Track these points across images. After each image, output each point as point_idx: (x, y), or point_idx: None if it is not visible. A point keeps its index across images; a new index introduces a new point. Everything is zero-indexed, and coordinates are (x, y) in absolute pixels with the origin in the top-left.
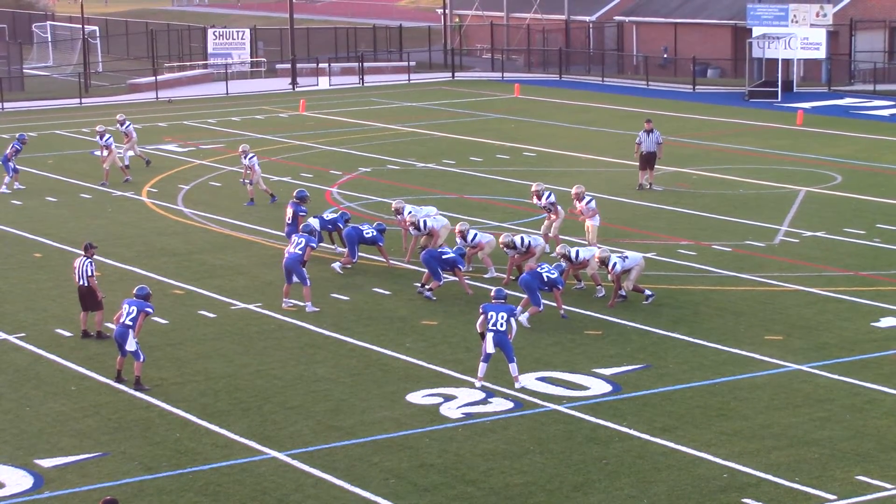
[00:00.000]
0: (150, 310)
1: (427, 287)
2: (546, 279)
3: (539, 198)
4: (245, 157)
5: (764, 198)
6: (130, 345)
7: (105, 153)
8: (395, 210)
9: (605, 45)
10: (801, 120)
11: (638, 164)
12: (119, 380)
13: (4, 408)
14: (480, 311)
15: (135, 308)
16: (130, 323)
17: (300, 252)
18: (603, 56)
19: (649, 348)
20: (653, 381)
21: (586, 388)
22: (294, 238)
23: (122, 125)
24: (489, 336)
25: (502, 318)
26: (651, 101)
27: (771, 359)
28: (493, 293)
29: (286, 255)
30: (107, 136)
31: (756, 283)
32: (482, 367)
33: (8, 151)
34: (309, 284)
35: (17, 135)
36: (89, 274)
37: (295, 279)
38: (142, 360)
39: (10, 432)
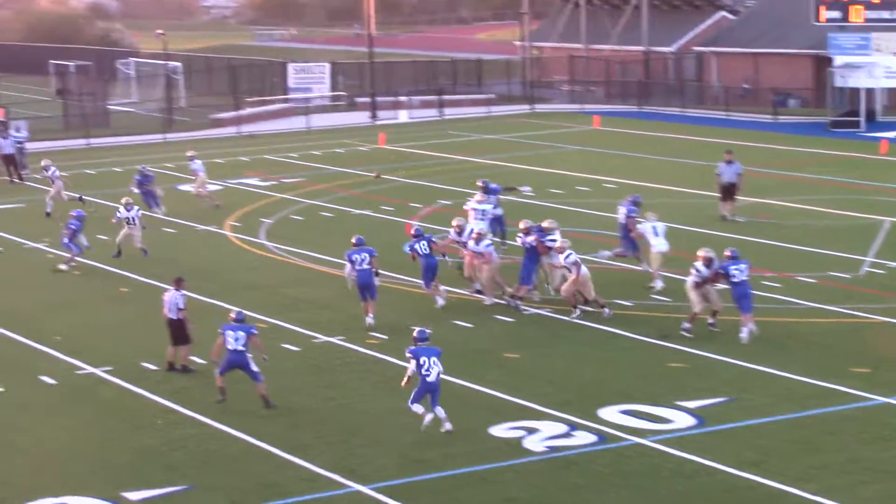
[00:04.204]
0: (255, 331)
1: (517, 296)
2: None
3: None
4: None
5: (848, 228)
6: (254, 366)
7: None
8: (458, 226)
9: (685, 75)
10: (886, 149)
11: (719, 195)
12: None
13: (92, 441)
14: (410, 355)
15: (242, 333)
16: (242, 348)
17: (368, 266)
18: (683, 87)
19: (734, 381)
20: (738, 414)
21: (670, 422)
22: (356, 256)
23: (191, 161)
24: (425, 379)
25: (434, 363)
26: (732, 131)
27: (858, 391)
28: (415, 334)
29: (355, 274)
30: (52, 169)
31: (842, 315)
32: (420, 408)
33: (137, 189)
34: (377, 298)
35: (139, 167)
36: (181, 307)
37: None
38: (261, 380)
39: (97, 465)
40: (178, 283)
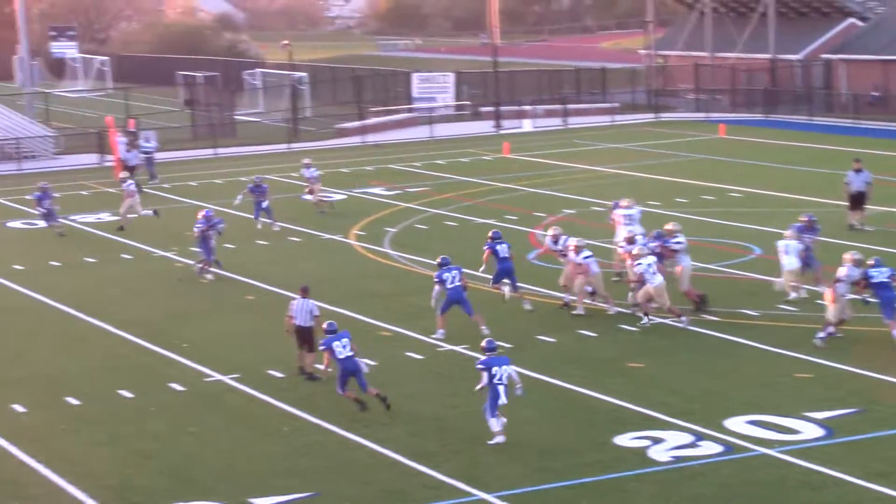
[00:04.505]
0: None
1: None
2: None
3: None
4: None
5: None
6: (365, 367)
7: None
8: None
9: (813, 83)
10: None
11: (847, 204)
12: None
13: (220, 447)
14: (482, 367)
15: (346, 339)
16: (351, 353)
17: (460, 283)
18: (810, 95)
19: (862, 392)
20: (867, 425)
21: (797, 432)
22: (447, 275)
23: (306, 168)
24: (500, 389)
25: (505, 371)
26: (861, 139)
27: None
28: (484, 344)
29: (444, 290)
30: (129, 182)
31: None
32: (497, 420)
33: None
34: (474, 312)
35: (254, 177)
36: (316, 314)
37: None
38: (368, 387)
39: (226, 472)
40: (305, 292)
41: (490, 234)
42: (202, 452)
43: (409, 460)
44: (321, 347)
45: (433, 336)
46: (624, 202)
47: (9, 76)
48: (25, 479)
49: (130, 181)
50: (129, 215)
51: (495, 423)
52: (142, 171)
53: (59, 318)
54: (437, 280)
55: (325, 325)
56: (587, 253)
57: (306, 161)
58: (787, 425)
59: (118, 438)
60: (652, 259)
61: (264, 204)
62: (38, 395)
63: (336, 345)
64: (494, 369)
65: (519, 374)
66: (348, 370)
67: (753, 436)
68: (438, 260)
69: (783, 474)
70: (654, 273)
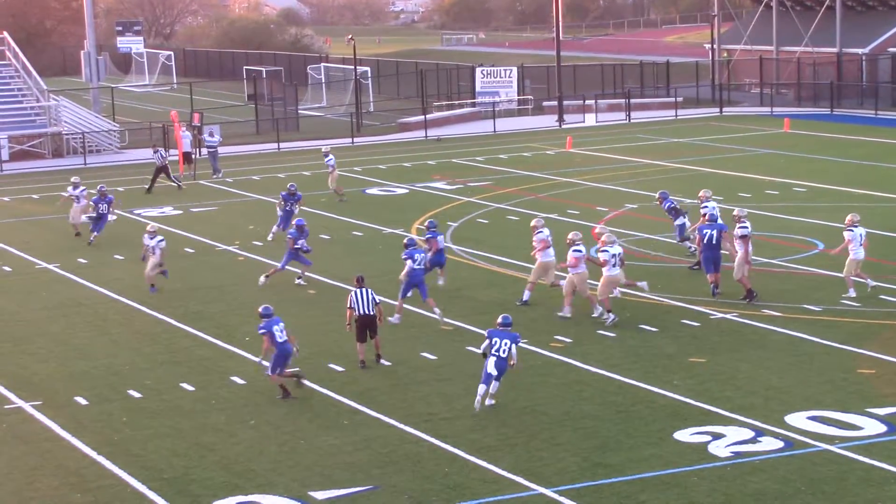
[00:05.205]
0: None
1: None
2: None
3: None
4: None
5: None
6: (295, 353)
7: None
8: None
9: (879, 77)
10: None
11: None
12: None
13: (280, 440)
14: (486, 335)
15: (282, 324)
16: (286, 337)
17: (422, 266)
18: (877, 89)
19: None
20: None
21: (860, 429)
22: (418, 256)
23: (326, 157)
24: (491, 360)
25: (505, 344)
26: None
27: None
28: (499, 320)
29: (409, 270)
30: (82, 188)
31: None
32: (482, 388)
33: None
34: (427, 297)
35: (288, 185)
36: (376, 302)
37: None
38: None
39: (285, 464)
40: (361, 281)
41: (427, 223)
42: (262, 445)
43: (468, 455)
44: (260, 331)
45: (389, 319)
46: (702, 193)
47: (76, 71)
48: (87, 472)
49: (83, 188)
50: (75, 221)
51: (482, 389)
52: (204, 164)
53: (121, 311)
54: (406, 257)
55: (260, 309)
56: (577, 246)
57: (326, 149)
58: (848, 421)
59: (179, 431)
60: (618, 250)
61: (296, 210)
62: (101, 388)
63: (276, 328)
64: (495, 340)
65: (582, 369)
66: (283, 354)
67: (815, 431)
68: (405, 241)
69: (844, 470)
70: (614, 265)
